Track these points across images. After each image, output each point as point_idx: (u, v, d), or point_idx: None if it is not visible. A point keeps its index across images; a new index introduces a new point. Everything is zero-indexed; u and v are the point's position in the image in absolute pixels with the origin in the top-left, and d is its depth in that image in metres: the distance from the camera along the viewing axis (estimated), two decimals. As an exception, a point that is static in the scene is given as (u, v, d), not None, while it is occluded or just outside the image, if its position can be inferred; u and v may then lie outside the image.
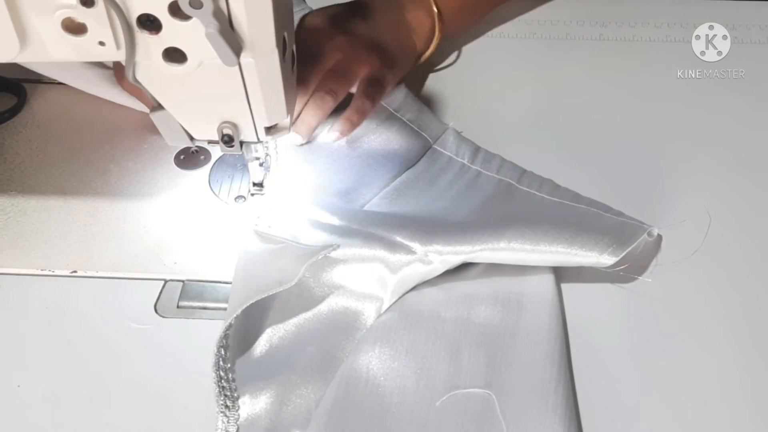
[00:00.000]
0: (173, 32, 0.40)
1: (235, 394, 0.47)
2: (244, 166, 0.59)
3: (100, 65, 0.63)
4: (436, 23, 0.67)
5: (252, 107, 0.47)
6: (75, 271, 0.55)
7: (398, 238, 0.52)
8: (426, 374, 0.48)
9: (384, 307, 0.52)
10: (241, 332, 0.50)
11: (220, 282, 0.54)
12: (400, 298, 0.52)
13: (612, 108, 0.69)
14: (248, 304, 0.48)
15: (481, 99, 0.69)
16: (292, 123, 0.60)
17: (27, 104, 0.67)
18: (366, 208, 0.58)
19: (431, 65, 0.72)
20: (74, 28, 0.40)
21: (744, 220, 0.59)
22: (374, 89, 0.61)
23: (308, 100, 0.59)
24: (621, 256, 0.50)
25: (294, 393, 0.47)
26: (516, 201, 0.58)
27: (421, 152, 0.62)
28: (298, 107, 0.60)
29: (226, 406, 0.46)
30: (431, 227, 0.53)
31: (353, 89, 0.62)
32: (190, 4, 0.37)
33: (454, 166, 0.61)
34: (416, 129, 0.63)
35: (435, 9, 0.67)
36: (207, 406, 0.47)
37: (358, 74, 0.61)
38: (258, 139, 0.50)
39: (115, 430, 0.47)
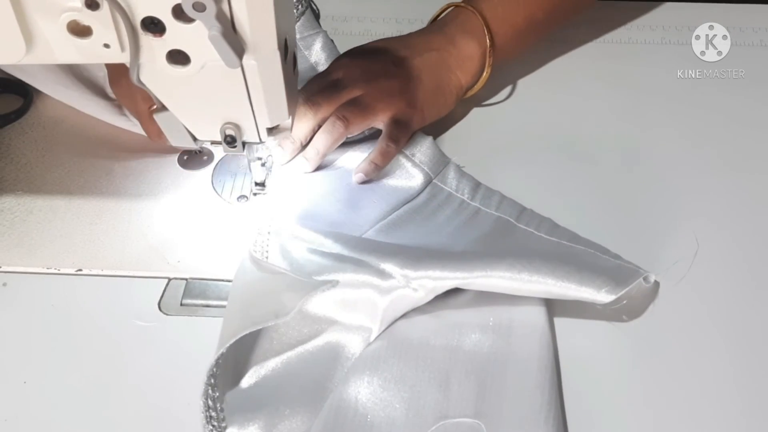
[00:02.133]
0: (177, 35, 0.41)
1: (223, 425, 0.46)
2: (247, 166, 0.60)
3: (106, 96, 0.63)
4: (486, 57, 0.66)
5: (254, 108, 0.47)
6: (80, 270, 0.55)
7: (388, 267, 0.51)
8: (415, 404, 0.47)
9: (373, 336, 0.51)
10: (230, 362, 0.49)
11: (222, 280, 0.55)
12: (389, 325, 0.51)
13: (609, 110, 0.69)
14: (242, 335, 0.47)
15: (473, 99, 0.69)
16: (302, 148, 0.60)
17: (33, 106, 0.67)
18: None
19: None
20: (79, 30, 0.41)
21: (744, 222, 0.59)
22: (398, 132, 0.61)
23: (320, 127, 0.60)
24: (617, 296, 0.49)
25: (282, 423, 0.46)
26: (513, 238, 0.57)
27: (421, 186, 0.61)
28: (305, 131, 0.60)
29: None
30: (422, 255, 0.52)
31: (375, 125, 0.62)
32: (194, 7, 0.38)
33: (453, 202, 0.60)
34: (417, 163, 0.62)
35: (487, 41, 0.65)
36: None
37: (376, 112, 0.61)
38: (260, 139, 0.50)
39: (119, 426, 0.48)
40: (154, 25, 0.41)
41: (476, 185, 0.61)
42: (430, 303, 0.51)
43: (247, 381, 0.49)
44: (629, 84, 0.72)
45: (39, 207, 0.59)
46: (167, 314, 0.53)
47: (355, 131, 0.61)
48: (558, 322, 0.52)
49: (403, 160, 0.62)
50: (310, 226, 0.56)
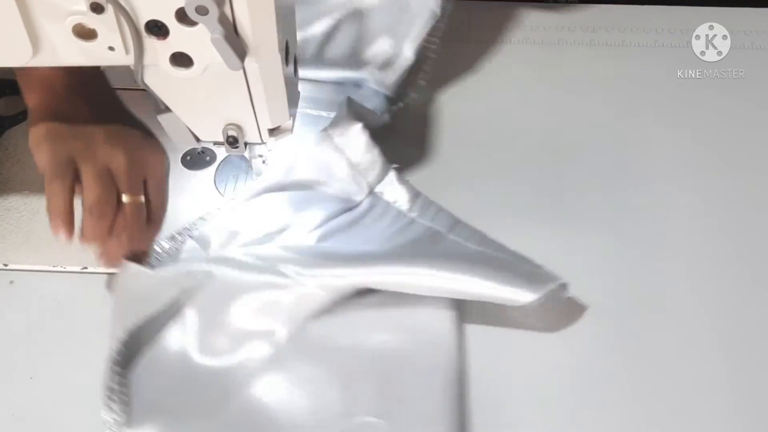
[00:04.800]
0: (180, 38, 0.42)
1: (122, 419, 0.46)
2: (248, 167, 0.60)
3: None
4: None
5: (256, 110, 0.48)
6: (85, 268, 0.56)
7: (286, 268, 0.52)
8: (320, 404, 0.47)
9: (278, 337, 0.51)
10: (133, 353, 0.50)
11: (225, 278, 0.56)
12: (293, 327, 0.51)
13: (609, 110, 0.69)
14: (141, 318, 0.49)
15: (470, 103, 0.69)
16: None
17: (39, 106, 0.68)
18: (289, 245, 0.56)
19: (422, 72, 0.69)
20: (85, 33, 0.41)
21: (744, 223, 0.60)
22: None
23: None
24: (537, 296, 0.49)
25: (183, 427, 0.46)
26: (439, 246, 0.56)
27: (359, 195, 0.59)
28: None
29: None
30: (326, 256, 0.53)
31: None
32: (197, 11, 0.39)
33: (390, 213, 0.58)
34: (358, 172, 0.59)
35: None
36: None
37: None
38: (261, 140, 0.51)
39: (123, 421, 0.48)
40: (157, 29, 0.41)
41: (415, 195, 0.59)
42: (337, 304, 0.52)
43: (147, 381, 0.49)
44: (630, 85, 0.72)
45: (45, 206, 0.60)
46: (170, 312, 0.54)
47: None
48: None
49: (344, 167, 0.59)
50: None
